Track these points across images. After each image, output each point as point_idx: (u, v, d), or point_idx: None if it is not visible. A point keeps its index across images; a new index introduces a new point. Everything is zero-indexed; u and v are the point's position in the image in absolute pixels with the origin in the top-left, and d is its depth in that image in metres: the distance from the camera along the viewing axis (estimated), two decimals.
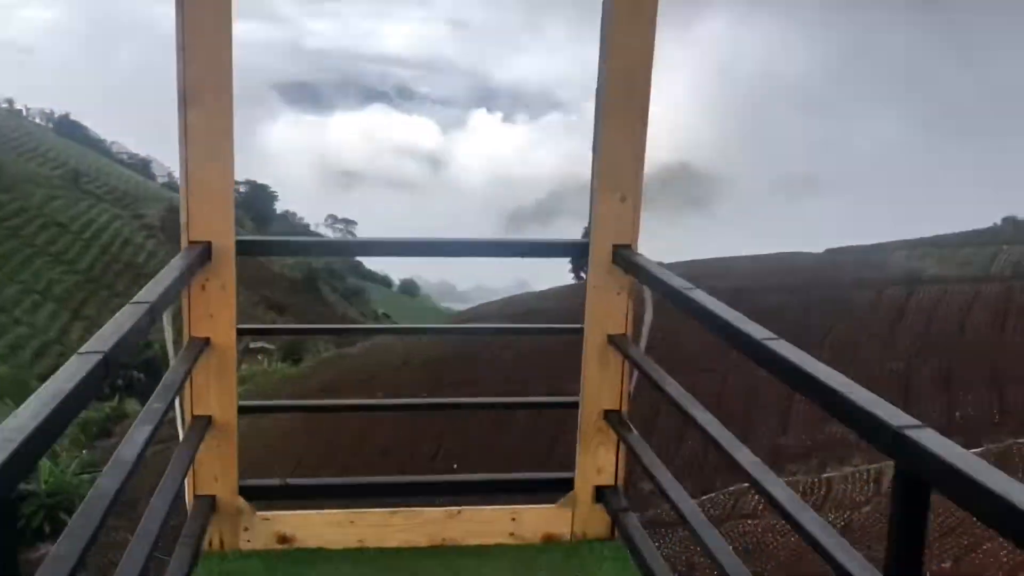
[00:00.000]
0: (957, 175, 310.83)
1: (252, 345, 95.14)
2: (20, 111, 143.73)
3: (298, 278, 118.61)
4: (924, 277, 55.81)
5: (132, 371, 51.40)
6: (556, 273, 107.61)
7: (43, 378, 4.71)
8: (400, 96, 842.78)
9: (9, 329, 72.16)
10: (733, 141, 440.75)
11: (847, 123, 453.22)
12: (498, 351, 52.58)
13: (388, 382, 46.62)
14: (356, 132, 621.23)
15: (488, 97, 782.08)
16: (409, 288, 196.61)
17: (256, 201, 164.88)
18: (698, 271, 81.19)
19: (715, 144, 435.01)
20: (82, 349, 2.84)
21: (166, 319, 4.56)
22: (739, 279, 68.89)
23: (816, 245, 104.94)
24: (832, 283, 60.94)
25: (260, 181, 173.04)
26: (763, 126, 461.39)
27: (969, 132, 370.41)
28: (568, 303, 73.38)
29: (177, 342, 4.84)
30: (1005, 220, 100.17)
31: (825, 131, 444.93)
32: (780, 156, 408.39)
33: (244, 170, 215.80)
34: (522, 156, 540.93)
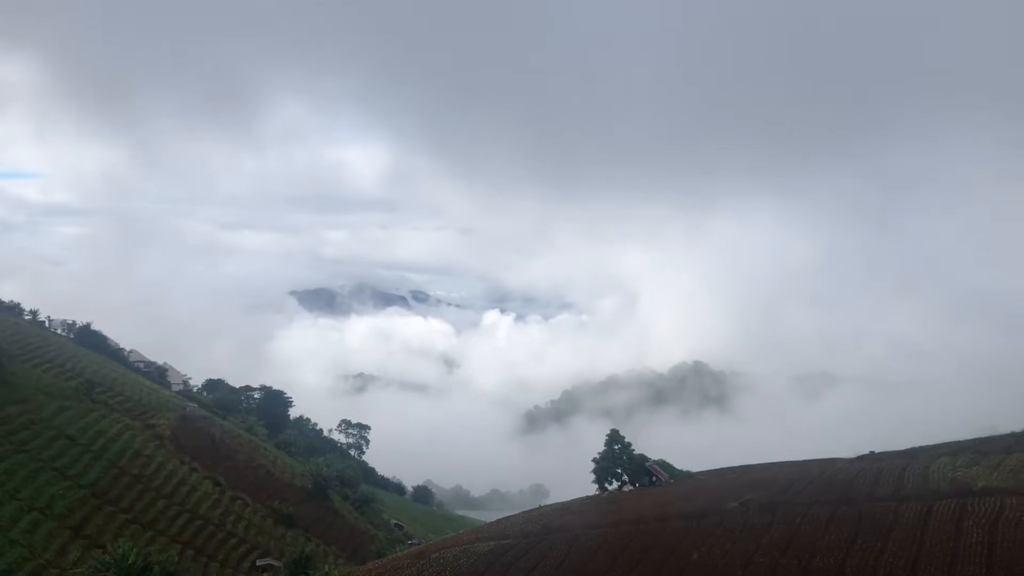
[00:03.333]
0: (978, 368, 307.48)
1: (259, 563, 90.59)
2: (43, 322, 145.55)
3: (308, 487, 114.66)
4: (976, 489, 52.22)
5: None
6: (577, 480, 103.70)
7: None
8: (415, 299, 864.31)
9: (4, 550, 68.44)
10: (746, 338, 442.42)
11: (857, 318, 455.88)
12: None
13: None
14: (371, 334, 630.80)
15: (501, 299, 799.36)
16: (423, 495, 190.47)
17: (270, 407, 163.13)
18: (733, 480, 77.79)
19: (729, 342, 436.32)
20: None
21: None
22: (776, 490, 65.60)
23: (842, 443, 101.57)
24: (873, 495, 57.54)
25: (275, 387, 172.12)
26: (773, 323, 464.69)
27: (986, 324, 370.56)
28: (592, 519, 69.58)
29: None
30: None
31: (836, 326, 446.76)
32: (794, 352, 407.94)
33: (259, 376, 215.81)
34: (535, 355, 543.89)
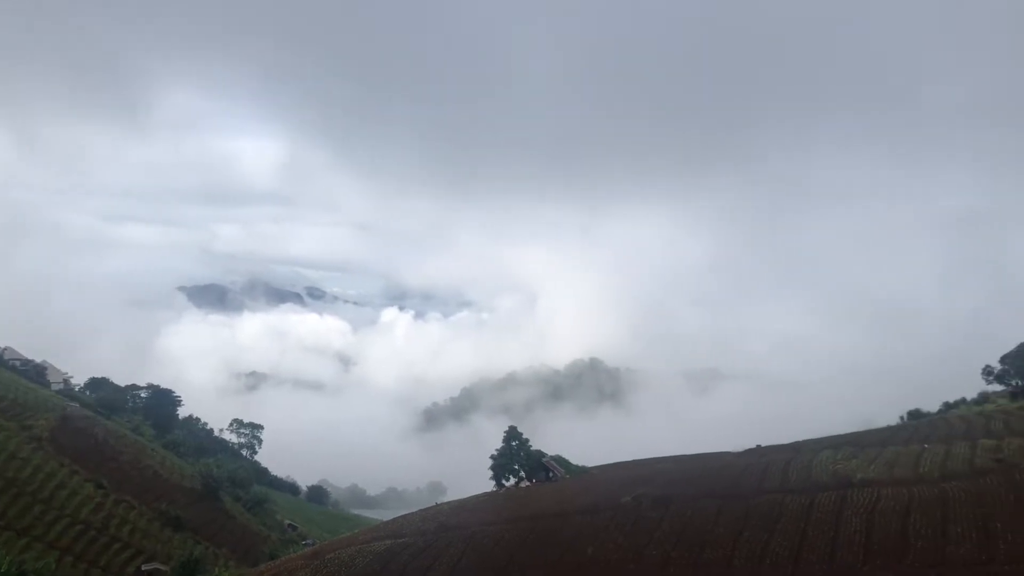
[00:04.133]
0: (856, 365, 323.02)
1: (145, 567, 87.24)
2: None
3: (197, 488, 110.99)
4: (855, 481, 54.75)
5: None
6: (475, 478, 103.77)
7: None
8: (311, 296, 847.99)
9: None
10: (639, 336, 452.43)
11: (744, 316, 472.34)
12: None
13: None
14: (264, 332, 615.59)
15: (400, 296, 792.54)
16: (317, 495, 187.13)
17: (158, 407, 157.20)
18: (627, 474, 79.24)
19: (623, 339, 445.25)
20: None
21: None
22: (667, 484, 67.15)
23: (731, 437, 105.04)
24: (760, 488, 59.57)
25: (163, 386, 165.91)
26: (665, 321, 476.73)
27: (868, 324, 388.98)
28: (489, 516, 69.75)
29: None
30: (911, 414, 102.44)
31: (724, 325, 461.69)
32: (685, 349, 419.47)
33: (146, 374, 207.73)
34: (435, 353, 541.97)
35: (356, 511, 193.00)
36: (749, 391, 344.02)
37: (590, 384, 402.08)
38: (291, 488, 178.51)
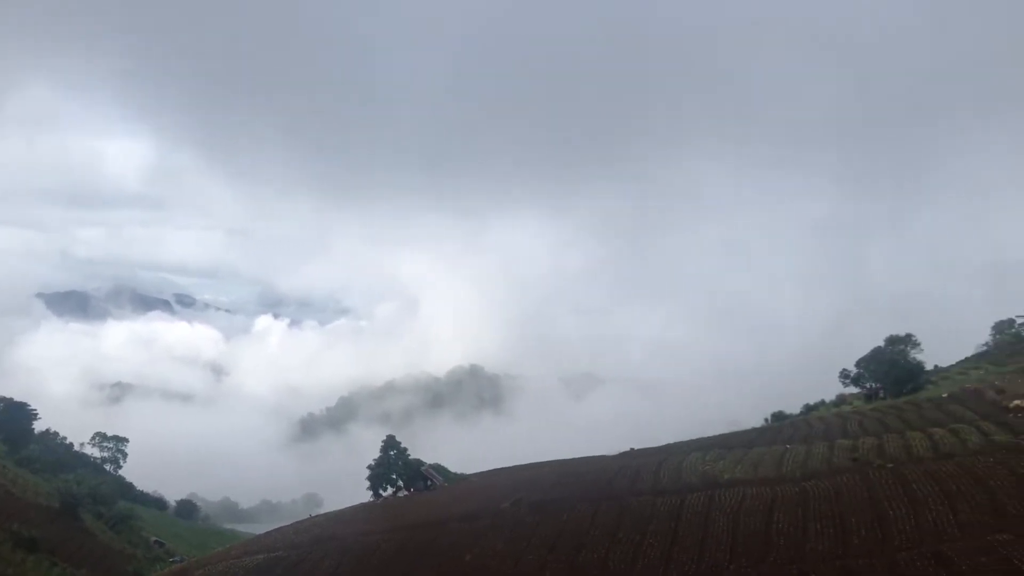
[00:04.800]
0: (726, 369, 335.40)
1: None
2: None
3: (55, 506, 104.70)
4: (722, 481, 56.83)
5: None
6: (353, 488, 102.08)
7: None
8: (180, 303, 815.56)
9: None
10: (519, 342, 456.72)
11: (619, 322, 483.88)
12: None
13: None
14: (130, 340, 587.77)
15: (275, 304, 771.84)
16: (187, 510, 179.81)
17: (11, 421, 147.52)
18: (506, 480, 79.64)
19: (503, 346, 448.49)
20: None
21: None
22: (545, 488, 67.92)
23: (607, 441, 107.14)
24: (633, 490, 61.07)
25: (17, 398, 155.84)
26: (544, 327, 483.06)
27: (736, 327, 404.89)
28: (366, 526, 68.79)
29: None
30: (775, 416, 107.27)
31: (600, 330, 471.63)
32: (563, 355, 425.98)
33: None
34: (311, 361, 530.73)
35: (228, 526, 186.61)
36: (625, 395, 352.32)
37: (470, 391, 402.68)
38: (158, 503, 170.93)
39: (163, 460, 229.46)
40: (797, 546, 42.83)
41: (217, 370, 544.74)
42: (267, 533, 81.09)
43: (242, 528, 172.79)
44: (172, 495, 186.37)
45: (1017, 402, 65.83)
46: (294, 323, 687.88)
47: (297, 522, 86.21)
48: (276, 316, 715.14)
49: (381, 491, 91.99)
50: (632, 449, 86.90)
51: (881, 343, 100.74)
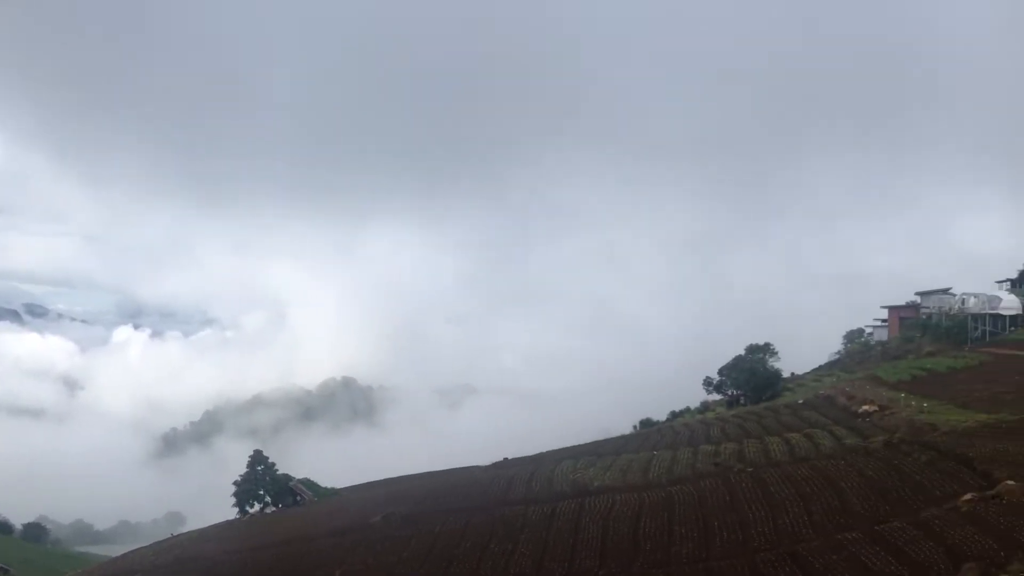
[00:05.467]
0: (598, 378, 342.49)
1: None
2: None
3: None
4: (592, 488, 57.83)
5: None
6: (218, 505, 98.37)
7: None
8: (30, 313, 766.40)
9: None
10: (393, 353, 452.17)
11: (495, 332, 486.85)
12: None
13: None
14: None
15: (135, 314, 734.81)
16: (35, 533, 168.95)
17: None
18: (378, 494, 78.49)
19: (377, 357, 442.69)
20: None
21: None
22: (417, 501, 67.33)
23: (482, 451, 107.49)
24: (506, 500, 61.34)
25: None
26: (419, 338, 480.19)
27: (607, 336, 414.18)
28: (231, 544, 66.40)
29: None
30: (643, 423, 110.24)
31: (476, 341, 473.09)
32: (438, 366, 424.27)
33: None
34: (174, 374, 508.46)
35: (82, 548, 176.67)
36: (500, 405, 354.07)
37: (343, 403, 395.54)
38: (3, 527, 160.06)
39: (9, 480, 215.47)
40: (663, 549, 43.92)
41: (71, 384, 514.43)
42: (124, 555, 77.33)
43: (98, 551, 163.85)
44: (19, 518, 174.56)
45: (865, 407, 70.03)
46: (156, 334, 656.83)
47: (157, 542, 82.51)
48: (136, 327, 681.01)
49: (248, 508, 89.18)
50: (505, 459, 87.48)
51: (742, 351, 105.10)
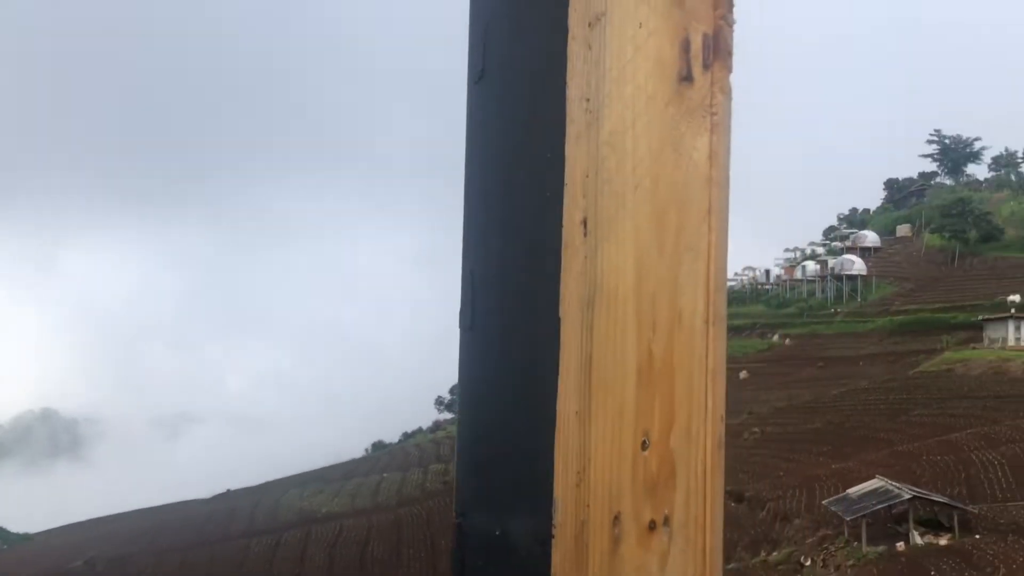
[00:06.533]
0: (330, 399, 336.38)
1: None
2: None
3: None
4: (320, 516, 56.32)
5: None
6: None
7: None
8: None
9: None
10: (101, 382, 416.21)
11: (219, 356, 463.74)
12: None
13: None
14: None
15: None
16: None
17: None
18: (81, 536, 71.14)
19: (82, 386, 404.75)
20: None
21: None
22: (127, 542, 61.78)
23: (204, 483, 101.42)
24: (227, 534, 58.11)
25: None
26: (131, 365, 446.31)
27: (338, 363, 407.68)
28: None
29: None
30: (375, 446, 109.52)
31: (197, 365, 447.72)
32: (153, 394, 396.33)
33: None
34: None
35: None
36: (224, 433, 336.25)
37: (41, 437, 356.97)
38: None
39: None
40: (391, 573, 43.60)
41: None
42: None
43: None
44: None
45: None
46: None
47: None
48: None
49: None
50: (228, 490, 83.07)
51: None
